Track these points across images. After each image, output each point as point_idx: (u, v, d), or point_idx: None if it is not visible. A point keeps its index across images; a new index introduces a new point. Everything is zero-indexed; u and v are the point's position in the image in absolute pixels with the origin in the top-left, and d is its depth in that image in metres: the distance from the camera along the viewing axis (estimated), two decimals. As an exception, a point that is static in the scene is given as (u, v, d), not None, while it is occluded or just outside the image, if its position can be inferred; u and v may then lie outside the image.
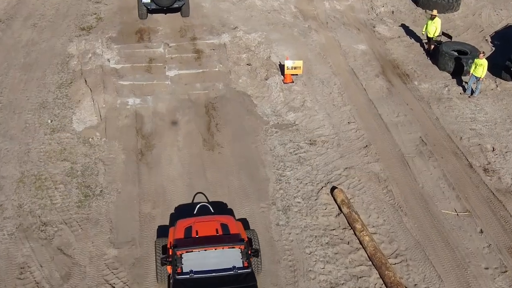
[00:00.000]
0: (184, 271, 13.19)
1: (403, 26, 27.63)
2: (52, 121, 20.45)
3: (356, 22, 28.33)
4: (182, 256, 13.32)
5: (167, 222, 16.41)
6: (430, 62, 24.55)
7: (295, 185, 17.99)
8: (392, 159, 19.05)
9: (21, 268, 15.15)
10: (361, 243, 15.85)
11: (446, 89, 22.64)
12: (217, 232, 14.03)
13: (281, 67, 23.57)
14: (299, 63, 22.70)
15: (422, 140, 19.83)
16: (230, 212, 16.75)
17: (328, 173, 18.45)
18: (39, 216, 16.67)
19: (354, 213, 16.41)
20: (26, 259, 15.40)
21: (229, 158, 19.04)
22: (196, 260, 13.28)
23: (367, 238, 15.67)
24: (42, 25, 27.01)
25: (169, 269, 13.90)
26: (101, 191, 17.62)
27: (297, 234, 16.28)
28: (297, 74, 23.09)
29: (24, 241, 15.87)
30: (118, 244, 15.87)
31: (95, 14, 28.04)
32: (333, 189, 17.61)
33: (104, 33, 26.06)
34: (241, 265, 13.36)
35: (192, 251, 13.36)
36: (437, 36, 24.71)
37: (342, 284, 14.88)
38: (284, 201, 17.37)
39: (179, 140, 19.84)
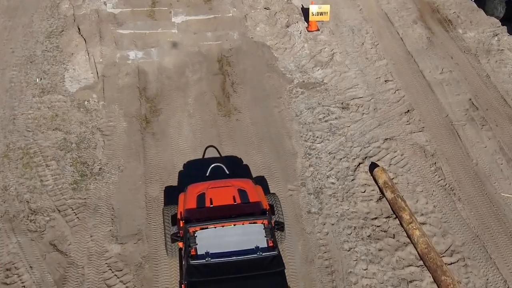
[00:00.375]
0: (198, 253, 10.98)
1: (441, -40, 24.11)
2: (41, 79, 17.59)
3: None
4: (196, 234, 11.12)
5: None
6: (475, 5, 21.30)
7: (328, 161, 15.32)
8: (439, 128, 16.29)
9: (7, 270, 12.71)
10: (409, 237, 13.34)
11: (496, 38, 19.56)
12: (234, 201, 11.99)
13: (304, 12, 20.43)
14: (326, 8, 19.55)
15: (473, 104, 17.01)
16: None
17: (365, 145, 15.74)
18: (28, 202, 14.11)
19: (400, 200, 13.82)
20: (12, 257, 12.97)
21: (248, 126, 16.29)
22: (212, 239, 11.16)
23: (417, 232, 13.14)
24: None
25: (180, 244, 11.92)
26: (100, 169, 14.99)
27: (332, 224, 13.77)
28: (323, 21, 19.95)
29: (11, 235, 13.39)
30: (121, 238, 13.39)
31: None
32: (372, 166, 14.95)
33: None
34: (265, 245, 11.11)
35: (207, 228, 11.18)
36: (484, -26, 21.32)
37: (390, 290, 12.49)
38: (315, 182, 14.76)
39: (189, 103, 17.02)
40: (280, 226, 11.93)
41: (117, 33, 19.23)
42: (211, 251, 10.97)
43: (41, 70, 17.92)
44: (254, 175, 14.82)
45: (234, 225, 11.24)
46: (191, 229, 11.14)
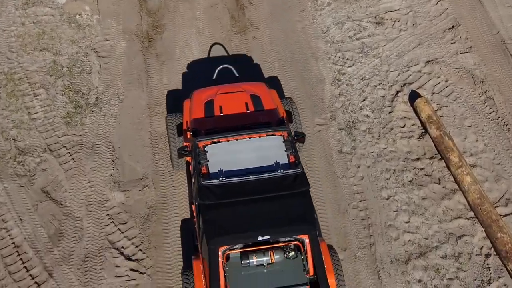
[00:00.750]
0: (210, 171, 9.45)
1: None
2: (24, -13, 15.01)
3: None
4: (207, 150, 9.69)
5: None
6: None
7: (360, 88, 13.19)
8: (490, 48, 13.98)
9: (-6, 223, 10.97)
10: (458, 184, 11.50)
11: None
12: (247, 108, 10.68)
13: None
14: None
15: (528, 17, 14.59)
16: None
17: (403, 69, 13.54)
18: (14, 140, 12.16)
19: (447, 138, 11.84)
20: (0, 209, 11.18)
21: (267, 45, 14.00)
22: (225, 155, 9.64)
23: (468, 178, 11.27)
24: None
25: (188, 158, 10.63)
26: (96, 98, 12.90)
27: (368, 167, 11.89)
28: None
29: (-4, 180, 11.54)
30: (124, 185, 11.57)
31: None
32: (413, 95, 12.85)
33: None
34: (287, 161, 9.56)
35: (218, 142, 9.78)
36: None
37: (436, 248, 10.79)
38: (347, 114, 12.73)
39: (198, 17, 14.60)
40: (300, 137, 10.42)
41: None
42: (224, 169, 9.47)
43: (24, -24, 15.30)
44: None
45: (250, 138, 9.81)
46: (201, 144, 9.76)
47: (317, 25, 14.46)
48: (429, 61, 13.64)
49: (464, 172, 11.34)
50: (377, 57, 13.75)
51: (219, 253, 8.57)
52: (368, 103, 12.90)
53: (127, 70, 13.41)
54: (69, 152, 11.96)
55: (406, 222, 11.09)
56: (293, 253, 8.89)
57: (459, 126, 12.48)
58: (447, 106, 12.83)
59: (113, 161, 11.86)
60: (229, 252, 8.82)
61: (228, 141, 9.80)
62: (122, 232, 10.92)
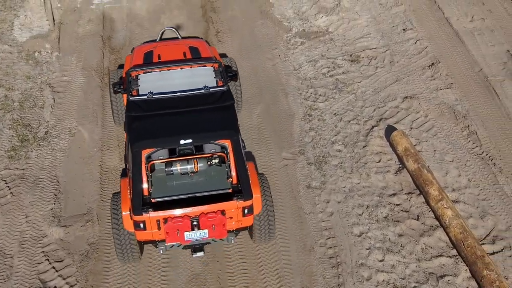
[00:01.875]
0: (140, 93, 9.95)
1: None
2: (-16, 27, 14.43)
3: None
4: (139, 77, 10.15)
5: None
6: None
7: (333, 123, 12.20)
8: (472, 84, 13.10)
9: None
10: (438, 219, 10.25)
11: (535, -18, 16.26)
12: (184, 56, 10.97)
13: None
14: None
15: (512, 56, 13.81)
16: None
17: (379, 104, 12.60)
18: (-50, 173, 11.05)
19: (425, 171, 10.70)
20: None
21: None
22: (157, 82, 10.12)
23: (449, 212, 10.04)
24: None
25: (125, 100, 10.75)
26: (46, 132, 11.91)
27: (339, 202, 10.67)
28: (328, -38, 16.70)
29: None
30: (65, 220, 10.35)
31: None
32: (389, 130, 11.83)
33: None
34: (215, 84, 10.13)
35: (151, 72, 10.24)
36: None
37: (414, 289, 9.40)
38: (317, 149, 11.65)
39: (163, 55, 13.83)
40: (232, 74, 10.77)
41: (81, -24, 16.00)
42: (155, 91, 9.93)
43: (-14, 17, 14.78)
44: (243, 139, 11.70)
45: (181, 68, 10.31)
46: (133, 73, 10.20)
47: (289, 62, 13.70)
48: (407, 97, 12.73)
49: (445, 206, 10.12)
50: (351, 93, 12.86)
51: (143, 157, 8.80)
52: (340, 137, 11.86)
53: (82, 105, 12.51)
54: (8, 186, 10.84)
55: (380, 261, 9.76)
56: (216, 160, 9.14)
57: (439, 161, 11.37)
58: (426, 141, 11.78)
59: (55, 195, 10.71)
60: (154, 161, 9.13)
61: (160, 71, 10.20)
62: (56, 271, 9.59)
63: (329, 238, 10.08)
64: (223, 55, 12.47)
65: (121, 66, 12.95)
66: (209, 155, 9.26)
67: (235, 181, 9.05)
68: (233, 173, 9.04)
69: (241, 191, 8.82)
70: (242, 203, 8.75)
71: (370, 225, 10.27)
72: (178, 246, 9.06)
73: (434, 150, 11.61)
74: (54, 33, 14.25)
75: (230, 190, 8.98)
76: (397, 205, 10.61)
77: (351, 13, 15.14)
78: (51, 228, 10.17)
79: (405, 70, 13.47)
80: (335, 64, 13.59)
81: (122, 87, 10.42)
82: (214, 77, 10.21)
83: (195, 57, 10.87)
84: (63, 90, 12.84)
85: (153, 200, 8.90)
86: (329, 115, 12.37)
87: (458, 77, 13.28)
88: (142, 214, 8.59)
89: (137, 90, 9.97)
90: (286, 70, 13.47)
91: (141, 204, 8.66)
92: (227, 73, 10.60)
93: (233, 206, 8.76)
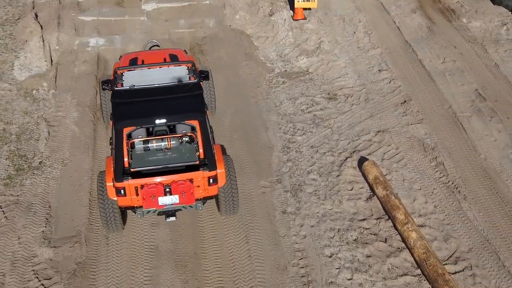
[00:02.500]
0: (124, 86, 11.78)
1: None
2: (-13, 66, 15.42)
3: None
4: (123, 75, 12.07)
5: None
6: (480, -6, 19.17)
7: (309, 155, 13.01)
8: (441, 120, 13.98)
9: None
10: (404, 241, 10.94)
11: (505, 28, 17.38)
12: (165, 61, 12.72)
13: None
14: (314, -8, 17.45)
15: (479, 94, 14.71)
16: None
17: (354, 138, 13.43)
18: (-51, 199, 11.80)
19: (393, 197, 11.45)
20: None
21: (219, 117, 14.01)
22: (139, 77, 11.97)
23: (413, 234, 10.74)
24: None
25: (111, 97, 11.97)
26: (40, 162, 12.72)
27: (312, 226, 11.38)
28: (310, 9, 17.86)
29: None
30: (55, 241, 11.04)
31: None
32: (362, 161, 12.63)
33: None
34: (188, 80, 11.93)
35: (134, 70, 12.17)
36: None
37: (379, 304, 10.03)
38: (293, 178, 12.42)
39: (153, 92, 14.76)
40: (205, 75, 12.58)
41: (78, 20, 17.15)
42: (136, 84, 11.67)
43: (-11, 59, 15.80)
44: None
45: (160, 67, 12.15)
46: (119, 71, 12.09)
47: (270, 100, 14.61)
48: (380, 131, 13.58)
49: (410, 229, 10.84)
50: (328, 128, 13.72)
51: (124, 134, 10.49)
52: (316, 168, 12.66)
53: (75, 137, 13.36)
54: (2, 211, 11.58)
55: (349, 279, 10.40)
56: (186, 138, 10.76)
57: (408, 189, 12.14)
58: (396, 171, 12.57)
59: (47, 219, 11.44)
60: (134, 140, 10.68)
61: (142, 69, 12.07)
62: (45, 287, 10.24)
63: (302, 258, 10.75)
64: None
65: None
66: (181, 135, 10.84)
67: (202, 156, 10.61)
68: (201, 150, 10.65)
69: (207, 164, 10.38)
70: (207, 173, 10.30)
71: (340, 247, 10.95)
72: (154, 212, 10.62)
73: (403, 179, 12.37)
74: (51, 73, 15.21)
75: (197, 163, 10.49)
76: (367, 229, 11.31)
77: (331, 55, 16.16)
78: (42, 248, 10.85)
79: (379, 107, 14.36)
80: (313, 102, 14.50)
81: (109, 85, 12.13)
82: (188, 74, 12.03)
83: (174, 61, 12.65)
84: (58, 124, 13.71)
85: (132, 170, 10.36)
86: (306, 147, 13.19)
87: (429, 113, 14.16)
88: (122, 181, 10.11)
89: (122, 84, 11.77)
90: (268, 106, 14.37)
91: (122, 173, 10.19)
92: (201, 74, 12.46)
93: (199, 176, 10.30)
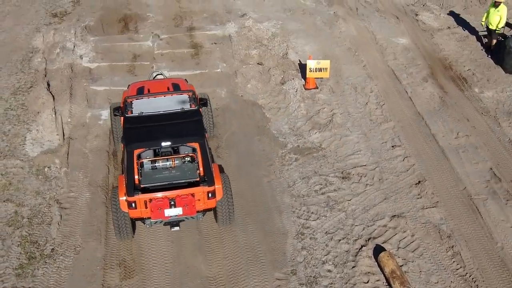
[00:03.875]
0: (134, 113, 13.27)
1: (453, 14, 22.16)
2: (-1, 141, 15.39)
3: (393, 7, 22.90)
4: (133, 103, 13.59)
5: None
6: (492, 61, 19.15)
7: (324, 242, 12.87)
8: (456, 203, 13.84)
9: None
10: None
11: (518, 99, 17.32)
12: (168, 90, 14.38)
13: (302, 68, 18.38)
14: (326, 63, 17.43)
15: (494, 174, 14.60)
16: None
17: (368, 223, 13.30)
18: (-40, 291, 11.66)
19: (411, 294, 11.28)
20: None
21: (234, 198, 13.84)
22: (146, 105, 13.50)
23: (433, 338, 10.54)
24: (5, 10, 21.87)
25: (122, 122, 13.59)
26: (52, 250, 12.60)
27: (328, 325, 11.19)
28: (322, 78, 17.84)
29: None
30: None
31: (72, -4, 22.78)
32: (377, 250, 12.48)
33: (80, 21, 20.86)
34: (189, 107, 13.47)
35: (142, 98, 13.76)
36: (501, 27, 19.25)
37: None
38: (308, 269, 12.28)
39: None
40: (203, 101, 14.18)
41: (90, 90, 17.17)
42: (144, 112, 13.24)
43: (1, 131, 15.73)
44: (235, 261, 12.38)
45: (164, 96, 13.83)
46: (129, 100, 13.67)
47: (283, 179, 14.50)
48: (395, 216, 13.45)
49: (429, 331, 10.65)
50: (342, 211, 13.59)
51: (134, 155, 12.18)
52: (331, 257, 12.51)
53: (87, 222, 13.25)
54: (14, 305, 11.42)
55: None
56: (188, 158, 12.51)
57: (425, 282, 11.96)
58: (412, 261, 12.40)
59: (59, 315, 11.27)
60: (143, 160, 12.39)
61: (148, 98, 13.73)
62: None
63: None
64: (200, 93, 15.48)
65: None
66: (183, 155, 12.53)
67: (202, 173, 12.27)
68: (201, 168, 12.32)
69: (206, 180, 12.04)
70: (206, 189, 11.99)
71: None
72: (160, 222, 12.28)
73: (420, 271, 12.20)
74: (63, 149, 15.15)
75: (198, 179, 12.15)
76: (384, 327, 11.13)
77: (343, 129, 16.09)
78: None
79: (393, 188, 14.24)
80: (327, 181, 14.39)
81: (120, 111, 13.77)
82: (189, 101, 13.57)
83: (176, 90, 14.24)
84: (70, 206, 13.61)
85: (141, 186, 11.99)
86: (321, 233, 13.05)
87: (444, 195, 14.03)
88: (133, 196, 11.77)
89: (131, 111, 13.25)
90: (281, 187, 14.26)
91: (133, 189, 11.82)
92: (200, 101, 13.97)
93: (200, 191, 11.99)
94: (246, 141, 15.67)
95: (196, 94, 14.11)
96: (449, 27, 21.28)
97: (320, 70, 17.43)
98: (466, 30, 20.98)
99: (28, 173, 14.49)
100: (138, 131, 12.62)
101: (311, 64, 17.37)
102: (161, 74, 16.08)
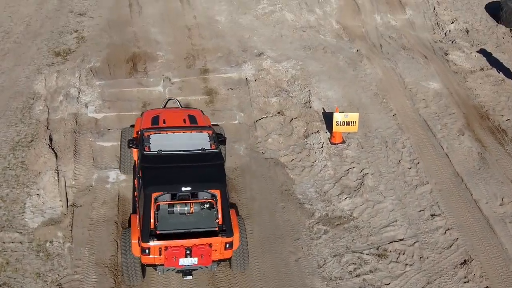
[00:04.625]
0: (152, 149, 12.50)
1: (484, 52, 20.66)
2: (-5, 209, 13.88)
3: (420, 44, 21.41)
4: (150, 137, 12.86)
5: None
6: (533, 110, 17.66)
7: None
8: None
9: None
10: None
11: None
12: (184, 122, 13.80)
13: (326, 117, 16.90)
14: (354, 116, 15.94)
15: (548, 251, 13.06)
16: None
17: (411, 315, 11.76)
18: None
19: None
20: None
21: (256, 281, 12.39)
22: (164, 141, 12.74)
23: None
24: (5, 48, 20.35)
25: (135, 154, 13.67)
26: None
27: None
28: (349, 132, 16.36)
29: None
30: None
31: (77, 31, 21.32)
32: None
33: (85, 61, 19.35)
34: (209, 147, 12.74)
35: (160, 133, 13.00)
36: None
37: None
38: None
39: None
40: (222, 139, 13.60)
41: (96, 146, 15.67)
42: (163, 149, 12.39)
43: (-2, 196, 14.26)
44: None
45: (184, 132, 13.05)
46: (146, 133, 12.90)
47: (312, 257, 13.00)
48: (440, 305, 11.91)
49: None
50: (380, 299, 12.07)
51: (152, 198, 11.38)
52: None
53: (94, 313, 11.73)
54: None
55: None
56: (207, 205, 11.76)
57: None
58: None
59: None
60: (160, 203, 11.59)
61: (167, 133, 12.92)
62: None
63: None
64: (215, 125, 15.08)
65: (132, 126, 15.14)
66: (202, 200, 11.80)
67: (220, 222, 11.61)
68: (220, 216, 11.64)
69: (225, 230, 11.43)
70: (225, 239, 11.40)
71: None
72: (173, 270, 11.60)
73: None
74: (67, 219, 13.65)
75: (216, 229, 11.53)
76: None
77: (375, 194, 14.58)
78: None
79: (436, 269, 12.73)
80: (361, 260, 12.88)
81: (135, 142, 13.21)
82: (209, 141, 12.82)
83: (192, 124, 13.62)
84: (74, 292, 12.11)
85: (157, 232, 11.38)
86: (358, 329, 11.54)
87: (494, 278, 12.53)
88: (149, 242, 11.20)
89: (149, 147, 12.48)
90: (310, 267, 12.76)
91: (148, 234, 11.22)
92: (218, 138, 13.23)
93: (218, 241, 11.39)
94: (269, 209, 14.15)
95: (214, 130, 13.49)
96: (482, 69, 19.77)
97: (348, 123, 15.94)
98: (501, 72, 19.47)
99: (27, 249, 12.99)
100: (157, 173, 11.84)
101: (338, 117, 15.86)
102: (177, 101, 15.59)
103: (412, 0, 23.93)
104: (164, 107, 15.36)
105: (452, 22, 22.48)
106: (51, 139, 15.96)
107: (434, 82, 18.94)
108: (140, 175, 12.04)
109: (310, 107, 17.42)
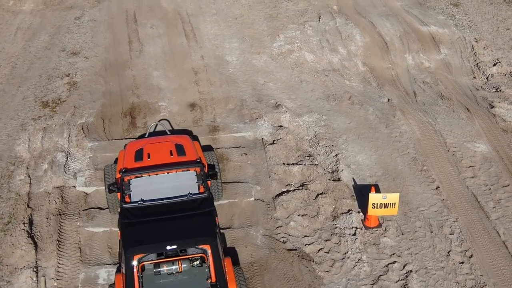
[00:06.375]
0: (132, 199, 11.51)
1: (535, 103, 17.96)
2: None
3: (459, 93, 18.74)
4: (131, 182, 11.76)
5: None
6: None
7: None
8: None
9: None
10: None
11: None
12: (171, 154, 12.50)
13: (357, 192, 14.27)
14: (394, 198, 13.28)
15: None
16: None
17: None
18: None
19: None
20: None
21: None
22: (146, 186, 11.70)
23: None
24: (-15, 97, 17.80)
25: (119, 196, 12.15)
26: None
27: None
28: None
29: None
30: None
31: (68, 75, 18.81)
32: None
33: (76, 115, 16.84)
34: (197, 191, 11.74)
35: (141, 176, 11.81)
36: None
37: None
38: None
39: None
40: (213, 174, 12.33)
41: (85, 233, 13.09)
42: (145, 198, 11.48)
43: (-37, 302, 11.69)
44: None
45: (168, 173, 11.85)
46: (126, 178, 11.74)
47: None
48: None
49: None
50: None
51: (135, 261, 10.25)
52: None
53: None
54: None
55: None
56: (198, 262, 10.55)
57: None
58: None
59: None
60: (144, 262, 10.36)
61: (149, 175, 11.77)
62: None
63: None
64: (206, 148, 14.25)
65: (115, 161, 14.02)
66: (192, 256, 10.57)
67: (213, 280, 10.40)
68: (212, 273, 10.41)
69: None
70: None
71: None
72: None
73: None
74: None
75: None
76: None
77: (423, 301, 11.91)
78: None
79: None
80: None
81: (116, 186, 11.98)
82: (196, 182, 11.83)
83: (180, 156, 12.29)
84: None
85: None
86: None
87: None
88: None
89: (130, 196, 11.54)
90: None
91: None
92: (209, 172, 12.28)
93: None
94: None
95: (204, 161, 12.57)
96: (536, 126, 17.09)
97: (386, 206, 13.29)
98: (558, 130, 16.79)
99: None
100: (138, 230, 10.76)
101: (374, 199, 13.21)
102: (162, 125, 14.90)
103: (446, 37, 21.30)
104: (150, 134, 14.59)
105: (494, 65, 19.80)
106: (31, 222, 13.37)
107: (481, 144, 16.25)
108: (120, 232, 10.98)
109: (339, 179, 14.76)
